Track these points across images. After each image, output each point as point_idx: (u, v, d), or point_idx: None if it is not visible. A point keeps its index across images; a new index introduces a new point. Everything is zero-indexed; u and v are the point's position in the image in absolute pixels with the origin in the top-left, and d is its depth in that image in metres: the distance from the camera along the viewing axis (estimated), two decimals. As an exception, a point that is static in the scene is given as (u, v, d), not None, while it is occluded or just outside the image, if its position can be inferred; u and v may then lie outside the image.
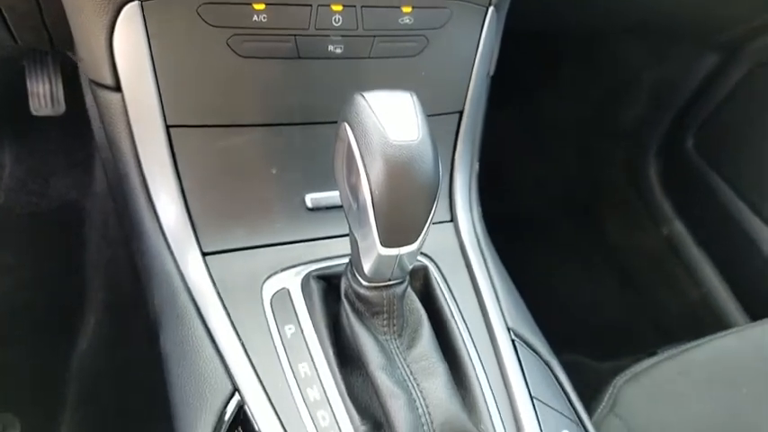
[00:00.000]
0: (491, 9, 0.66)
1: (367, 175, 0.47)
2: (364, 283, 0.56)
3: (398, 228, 0.50)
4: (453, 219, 0.73)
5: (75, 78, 1.26)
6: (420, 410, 0.54)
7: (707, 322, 1.45)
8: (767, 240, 1.35)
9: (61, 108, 1.26)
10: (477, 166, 0.77)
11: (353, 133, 0.48)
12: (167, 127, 0.58)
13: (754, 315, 1.39)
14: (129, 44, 0.54)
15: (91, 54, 0.56)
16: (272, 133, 0.63)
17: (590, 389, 0.81)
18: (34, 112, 1.25)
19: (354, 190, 0.49)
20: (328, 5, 0.57)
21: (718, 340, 0.90)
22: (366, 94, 0.48)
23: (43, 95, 1.25)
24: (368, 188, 0.48)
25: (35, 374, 1.16)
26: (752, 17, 1.27)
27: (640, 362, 0.84)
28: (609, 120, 1.65)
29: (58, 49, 0.95)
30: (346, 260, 0.59)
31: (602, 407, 0.78)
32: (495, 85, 0.77)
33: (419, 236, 0.51)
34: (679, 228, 1.54)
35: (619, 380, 0.81)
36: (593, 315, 1.47)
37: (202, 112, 0.59)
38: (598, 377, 0.87)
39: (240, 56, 0.57)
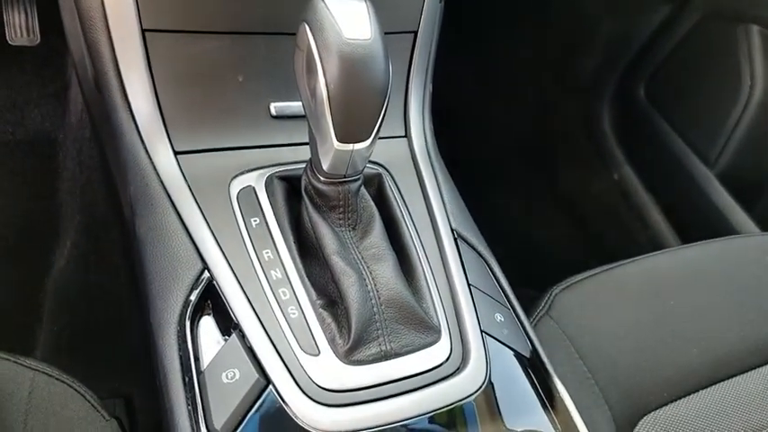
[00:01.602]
0: None
1: (324, 71, 0.53)
2: (322, 178, 0.62)
3: (352, 123, 0.56)
4: (407, 134, 0.80)
5: (49, 8, 1.28)
6: (368, 287, 0.62)
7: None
8: (712, 185, 1.45)
9: (36, 38, 1.29)
10: (430, 86, 0.83)
11: (311, 32, 0.54)
12: (143, 31, 0.63)
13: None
14: None
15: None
16: (240, 42, 0.68)
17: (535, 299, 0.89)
18: (10, 42, 1.27)
19: (312, 87, 0.55)
20: None
21: (651, 258, 0.99)
22: None
23: (19, 25, 1.26)
24: (324, 84, 0.54)
25: (11, 293, 1.21)
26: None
27: (576, 275, 0.93)
28: (564, 69, 1.72)
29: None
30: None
31: (538, 310, 0.86)
32: (452, 31, 0.83)
33: (372, 132, 0.58)
34: (629, 173, 1.63)
35: (556, 288, 0.90)
36: (544, 255, 1.56)
37: (175, 18, 0.64)
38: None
39: None
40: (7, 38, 1.27)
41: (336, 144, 0.57)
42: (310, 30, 0.54)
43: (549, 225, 1.68)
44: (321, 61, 0.54)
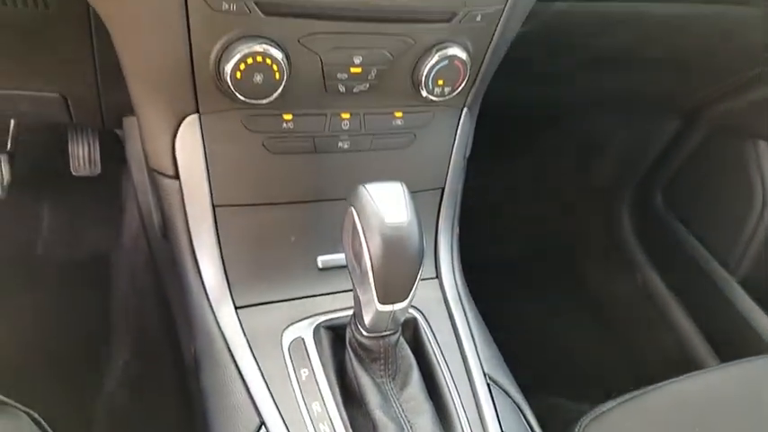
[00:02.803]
0: (465, 109, 0.82)
1: (368, 248, 0.62)
2: (365, 333, 0.70)
3: (392, 289, 0.64)
4: (438, 276, 0.88)
5: (108, 142, 1.44)
6: None
7: (681, 365, 1.58)
8: (735, 291, 1.49)
9: (97, 169, 1.43)
10: (457, 230, 0.92)
11: (358, 216, 0.63)
12: (214, 206, 0.74)
13: (725, 358, 1.52)
14: (188, 144, 0.70)
15: (156, 150, 0.72)
16: (293, 209, 0.78)
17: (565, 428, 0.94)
18: (74, 173, 1.41)
19: (358, 258, 0.64)
20: (339, 114, 0.74)
21: (675, 384, 1.03)
22: (367, 186, 0.63)
23: (82, 158, 1.41)
24: (368, 258, 0.62)
25: (63, 411, 1.28)
26: (705, 89, 1.45)
27: (604, 403, 0.97)
28: (582, 175, 1.81)
29: (106, 127, 1.11)
30: (349, 312, 0.73)
31: (569, 442, 0.90)
32: (477, 144, 0.93)
33: (408, 295, 0.66)
34: (653, 276, 1.68)
35: (584, 420, 0.94)
36: (571, 358, 1.59)
37: (241, 195, 0.75)
38: (576, 417, 0.99)
39: (272, 152, 0.73)
40: (71, 169, 1.41)
41: (379, 306, 0.65)
42: (357, 214, 0.63)
43: (573, 327, 1.72)
44: (366, 241, 0.62)
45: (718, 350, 1.56)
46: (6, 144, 1.41)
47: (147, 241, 1.25)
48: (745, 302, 1.47)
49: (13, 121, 1.37)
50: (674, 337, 1.62)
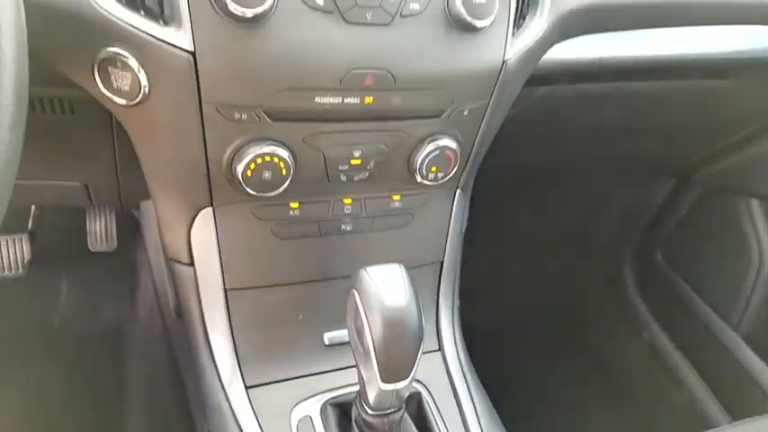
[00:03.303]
0: (458, 190, 0.88)
1: (370, 329, 0.66)
2: (370, 411, 0.73)
3: (394, 368, 0.68)
4: (440, 348, 0.92)
5: (124, 217, 1.50)
6: None
7: (693, 425, 1.57)
8: (740, 348, 1.50)
9: (114, 244, 1.49)
10: (457, 302, 0.96)
11: (360, 298, 0.67)
12: (226, 290, 0.79)
13: (737, 416, 1.51)
14: (203, 235, 0.76)
15: (173, 241, 0.78)
16: (300, 289, 0.83)
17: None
18: (91, 249, 1.47)
19: (361, 339, 0.68)
20: (341, 200, 0.80)
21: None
22: (368, 269, 0.68)
23: (100, 235, 1.47)
24: (370, 339, 0.66)
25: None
26: (695, 152, 1.51)
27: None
28: (583, 233, 1.85)
29: (124, 209, 1.18)
30: (356, 387, 0.76)
31: None
32: (475, 207, 0.97)
33: (410, 373, 0.69)
34: (658, 332, 1.69)
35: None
36: (580, 422, 1.59)
37: (251, 278, 0.80)
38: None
39: (279, 238, 0.79)
40: (89, 245, 1.48)
41: (382, 385, 0.68)
42: (358, 296, 0.68)
43: (580, 389, 1.72)
44: (368, 322, 0.66)
45: (729, 408, 1.56)
46: (27, 224, 1.48)
47: (161, 314, 1.29)
48: (753, 360, 1.47)
49: (34, 205, 1.45)
50: (684, 395, 1.61)
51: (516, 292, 1.82)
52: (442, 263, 0.92)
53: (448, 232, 0.90)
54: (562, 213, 1.82)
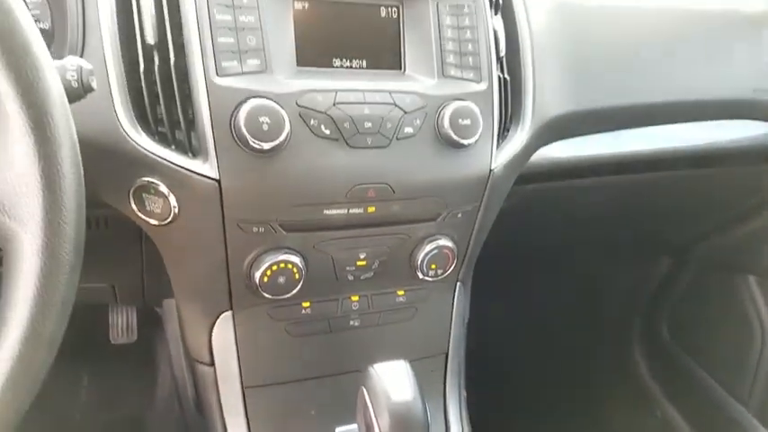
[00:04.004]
0: (459, 283, 0.94)
1: (378, 424, 0.71)
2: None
3: None
4: None
5: (145, 312, 1.57)
6: None
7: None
8: (750, 423, 1.50)
9: (134, 336, 1.55)
10: (464, 393, 1.00)
11: (368, 396, 0.73)
12: (243, 388, 0.85)
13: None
14: (223, 337, 0.83)
15: (195, 343, 0.85)
16: (312, 384, 0.89)
17: None
18: (112, 341, 1.53)
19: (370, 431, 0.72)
20: (349, 297, 0.86)
21: None
22: (376, 366, 0.74)
23: (121, 327, 1.54)
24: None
25: None
26: (687, 231, 1.57)
27: None
28: (588, 313, 1.88)
29: (147, 306, 1.25)
30: None
31: None
32: (478, 283, 1.02)
33: None
34: (671, 411, 1.69)
35: None
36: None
37: (267, 376, 0.86)
38: None
39: (292, 336, 0.85)
40: (110, 338, 1.54)
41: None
42: (367, 393, 0.73)
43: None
44: (376, 417, 0.71)
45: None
46: None
47: (180, 406, 1.33)
48: (764, 435, 1.47)
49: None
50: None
51: (526, 370, 1.83)
52: (446, 354, 0.97)
53: (451, 322, 0.96)
54: (564, 295, 1.87)
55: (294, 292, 0.79)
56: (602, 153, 1.06)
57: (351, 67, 0.76)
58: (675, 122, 1.09)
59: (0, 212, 0.44)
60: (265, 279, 0.76)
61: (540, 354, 1.86)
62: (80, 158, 0.47)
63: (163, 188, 0.70)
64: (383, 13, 0.77)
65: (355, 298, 0.87)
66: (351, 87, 0.73)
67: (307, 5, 0.74)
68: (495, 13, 0.84)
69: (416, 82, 0.77)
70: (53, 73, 0.44)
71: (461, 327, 0.98)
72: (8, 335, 0.42)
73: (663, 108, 1.04)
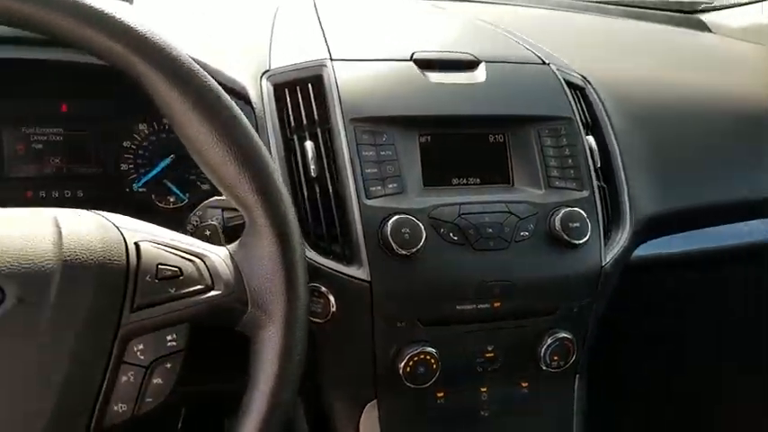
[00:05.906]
0: (577, 375, 1.00)
1: None
2: None
3: None
4: None
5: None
6: None
7: None
8: None
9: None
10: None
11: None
12: None
13: None
14: (370, 425, 0.92)
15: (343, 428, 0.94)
16: None
17: None
18: None
19: None
20: (478, 388, 0.95)
21: None
22: None
23: None
24: None
25: None
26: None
27: None
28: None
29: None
30: None
31: None
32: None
33: None
34: None
35: None
36: None
37: None
38: None
39: (429, 424, 0.93)
40: None
41: None
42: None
43: None
44: None
45: None
46: (177, 424, 1.65)
47: None
48: None
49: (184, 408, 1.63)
50: None
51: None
52: None
53: (573, 418, 1.01)
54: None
55: (432, 381, 0.89)
56: (693, 248, 1.14)
57: (468, 184, 0.92)
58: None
59: (254, 305, 0.58)
60: (408, 369, 0.87)
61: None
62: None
63: (324, 290, 0.85)
64: (491, 139, 0.94)
65: (484, 389, 0.95)
66: (471, 200, 0.88)
67: (429, 138, 0.91)
68: (587, 133, 0.99)
69: (526, 192, 0.91)
70: (289, 199, 0.62)
71: (583, 420, 1.02)
72: (259, 399, 0.55)
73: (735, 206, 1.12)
